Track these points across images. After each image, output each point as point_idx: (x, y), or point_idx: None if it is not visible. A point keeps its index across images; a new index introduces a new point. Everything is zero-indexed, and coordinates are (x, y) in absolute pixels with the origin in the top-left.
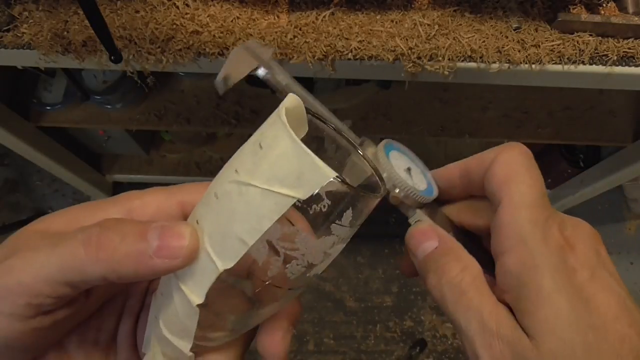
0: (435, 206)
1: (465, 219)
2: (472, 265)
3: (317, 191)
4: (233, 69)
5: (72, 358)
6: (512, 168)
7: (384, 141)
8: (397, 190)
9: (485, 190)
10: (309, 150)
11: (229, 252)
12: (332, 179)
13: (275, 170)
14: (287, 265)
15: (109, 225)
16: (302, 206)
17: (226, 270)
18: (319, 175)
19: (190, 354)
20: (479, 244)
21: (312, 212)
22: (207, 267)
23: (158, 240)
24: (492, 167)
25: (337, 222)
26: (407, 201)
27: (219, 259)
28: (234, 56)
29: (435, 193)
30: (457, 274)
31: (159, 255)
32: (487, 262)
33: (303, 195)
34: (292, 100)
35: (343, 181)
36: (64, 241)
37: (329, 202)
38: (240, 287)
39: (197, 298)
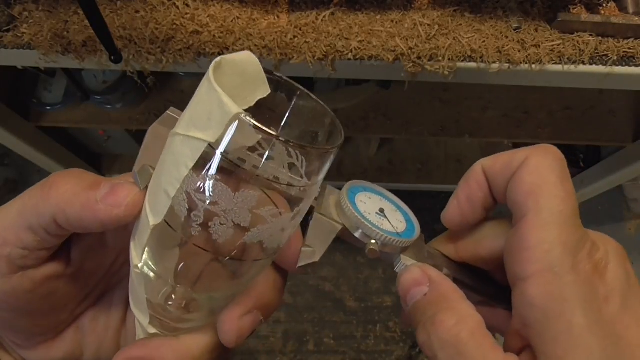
0: (421, 244)
1: (465, 253)
2: (470, 315)
3: (231, 133)
4: (151, 155)
5: (87, 337)
6: (543, 176)
7: (346, 185)
8: (372, 242)
9: (507, 199)
10: (218, 88)
11: (158, 206)
12: (243, 119)
13: (192, 115)
14: (210, 224)
15: (69, 171)
16: (235, 158)
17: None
18: (224, 113)
19: (152, 330)
20: (483, 277)
21: (247, 165)
22: (144, 224)
23: (108, 189)
24: (520, 172)
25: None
26: (387, 249)
27: (151, 214)
28: (150, 138)
29: (417, 230)
30: (450, 328)
31: (104, 202)
32: (497, 294)
33: (212, 137)
34: (241, 55)
35: (258, 127)
36: (27, 190)
37: (266, 152)
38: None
39: (137, 258)
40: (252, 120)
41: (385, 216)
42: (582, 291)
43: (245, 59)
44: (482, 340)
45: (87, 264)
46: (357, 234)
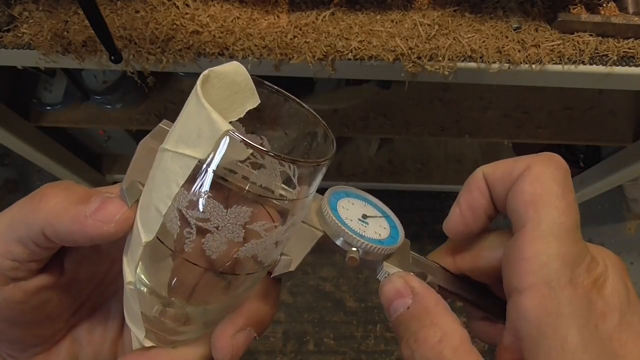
0: (406, 250)
1: (464, 264)
2: (454, 331)
3: (222, 151)
4: (141, 170)
5: (84, 348)
6: (544, 186)
7: (328, 191)
8: (353, 250)
9: (507, 208)
10: (207, 105)
11: (150, 222)
12: (233, 135)
13: (181, 131)
14: (203, 240)
15: (59, 183)
16: (225, 172)
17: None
18: (214, 130)
19: (148, 343)
20: (481, 290)
21: (237, 178)
22: (136, 240)
23: (98, 204)
24: (521, 181)
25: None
26: (369, 257)
27: (143, 231)
28: (140, 152)
29: (401, 237)
30: (433, 346)
31: (93, 217)
32: (494, 308)
33: (201, 154)
34: (229, 66)
35: (249, 143)
36: (18, 201)
37: (253, 167)
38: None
39: (130, 274)
40: (242, 137)
41: (367, 223)
42: (579, 307)
43: (233, 70)
44: (467, 358)
45: (81, 273)
46: (338, 242)
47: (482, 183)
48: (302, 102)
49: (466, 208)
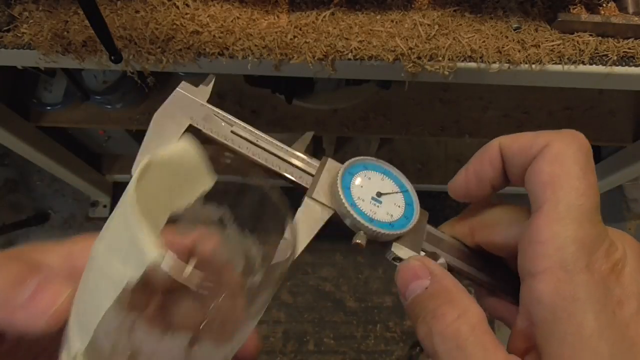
0: (421, 227)
1: (480, 237)
2: (472, 310)
3: (141, 272)
4: (156, 144)
5: None
6: (564, 166)
7: (346, 164)
8: (361, 234)
9: (525, 186)
10: (136, 222)
11: (82, 331)
12: (163, 267)
13: (112, 240)
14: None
15: (3, 255)
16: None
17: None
18: (142, 257)
19: None
20: (496, 265)
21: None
22: (71, 344)
23: (33, 289)
24: (540, 159)
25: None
26: (378, 240)
27: (76, 336)
28: (157, 124)
29: (415, 216)
30: (451, 322)
31: (25, 309)
32: (511, 285)
33: (131, 276)
34: (175, 149)
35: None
36: None
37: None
38: None
39: None
40: (172, 266)
41: (381, 202)
42: (595, 292)
43: (179, 155)
44: (483, 337)
45: (24, 340)
46: (346, 222)
47: (496, 155)
48: (272, 195)
49: (472, 175)
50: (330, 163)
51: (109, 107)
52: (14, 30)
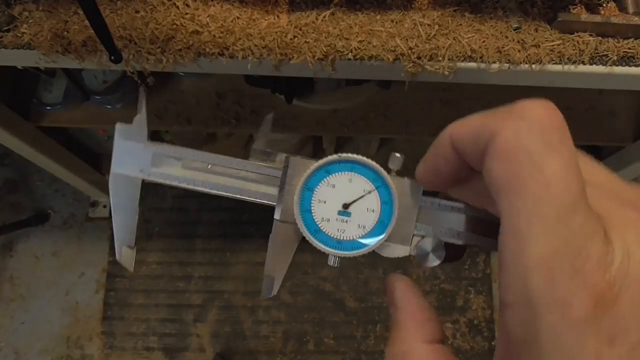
0: (411, 211)
1: (485, 204)
2: (413, 352)
3: None
4: (123, 218)
5: None
6: (517, 160)
7: (303, 177)
8: (331, 258)
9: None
10: None
11: None
12: None
13: None
14: None
15: None
16: None
17: None
18: None
19: None
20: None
21: None
22: None
23: None
24: (488, 156)
25: None
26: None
27: None
28: (115, 194)
29: (393, 220)
30: None
31: None
32: None
33: None
34: None
35: None
36: None
37: None
38: None
39: None
40: None
41: (349, 214)
42: (567, 339)
43: None
44: None
45: None
46: (316, 247)
47: (448, 149)
48: None
49: (430, 172)
50: (293, 167)
51: (109, 107)
52: (14, 30)
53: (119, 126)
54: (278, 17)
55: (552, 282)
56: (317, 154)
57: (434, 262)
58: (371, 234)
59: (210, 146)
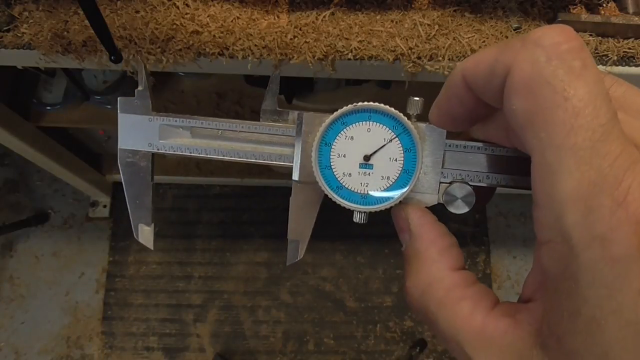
0: (438, 155)
1: (515, 142)
2: (439, 280)
3: None
4: (136, 192)
5: None
6: (539, 91)
7: (319, 131)
8: (356, 214)
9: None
10: None
11: None
12: None
13: None
14: None
15: None
16: None
17: None
18: None
19: None
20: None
21: None
22: None
23: None
24: (507, 91)
25: None
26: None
27: None
28: (125, 171)
29: (418, 168)
30: (418, 298)
31: None
32: None
33: None
34: None
35: None
36: None
37: None
38: None
39: None
40: None
41: (371, 166)
42: (608, 275)
43: None
44: (455, 308)
45: None
46: (339, 203)
47: (462, 88)
48: None
49: (445, 116)
50: (308, 123)
51: (109, 107)
52: (14, 30)
53: (121, 99)
54: (278, 17)
55: (591, 218)
56: None
57: (463, 208)
58: (396, 184)
59: None
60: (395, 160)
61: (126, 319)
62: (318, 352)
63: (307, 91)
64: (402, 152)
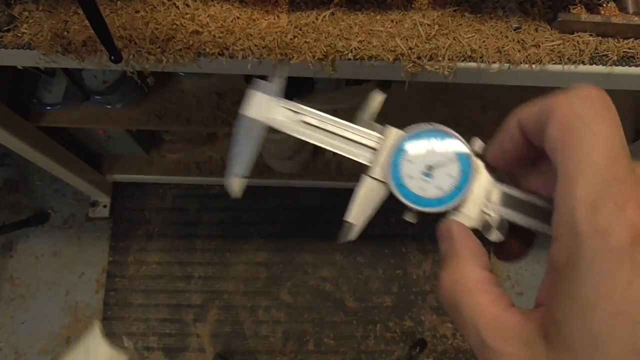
0: (484, 190)
1: (535, 184)
2: (469, 275)
3: None
4: (244, 150)
5: None
6: (571, 123)
7: (402, 138)
8: (408, 212)
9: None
10: None
11: None
12: None
13: None
14: None
15: None
16: None
17: None
18: None
19: None
20: None
21: None
22: None
23: None
24: (548, 126)
25: None
26: (427, 215)
27: None
28: (240, 131)
29: (465, 190)
30: (448, 286)
31: None
32: None
33: None
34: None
35: None
36: None
37: None
38: None
39: None
40: None
41: (431, 176)
42: (604, 262)
43: None
44: (479, 295)
45: None
46: (397, 198)
47: (515, 131)
48: None
49: (498, 149)
50: (392, 136)
51: (109, 107)
52: (14, 30)
53: (256, 80)
54: (278, 17)
55: (596, 214)
56: (317, 153)
57: (497, 237)
58: (447, 197)
59: (210, 146)
60: (452, 177)
61: (126, 319)
62: (318, 352)
63: (307, 91)
64: (459, 173)
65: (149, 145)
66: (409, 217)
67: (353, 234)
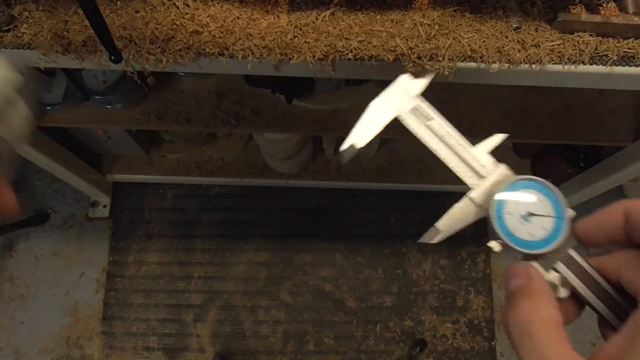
0: (562, 251)
1: (624, 273)
2: (547, 309)
3: None
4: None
5: None
6: None
7: (515, 178)
8: (496, 242)
9: None
10: None
11: None
12: None
13: None
14: None
15: None
16: None
17: None
18: None
19: None
20: (629, 303)
21: None
22: None
23: None
24: None
25: None
26: (512, 250)
27: None
28: (370, 112)
29: (553, 245)
30: (526, 314)
31: None
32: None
33: None
34: None
35: None
36: None
37: None
38: None
39: None
40: None
41: (529, 221)
42: None
43: None
44: (551, 331)
45: None
46: (491, 225)
47: (619, 218)
48: None
49: (595, 225)
50: (502, 172)
51: (109, 107)
52: (14, 30)
53: (403, 76)
54: (278, 17)
55: None
56: (317, 154)
57: (563, 293)
58: (533, 244)
59: (210, 146)
60: (545, 230)
61: (126, 319)
62: (318, 352)
63: (307, 91)
64: (552, 229)
65: (149, 145)
66: (493, 245)
67: (436, 239)
